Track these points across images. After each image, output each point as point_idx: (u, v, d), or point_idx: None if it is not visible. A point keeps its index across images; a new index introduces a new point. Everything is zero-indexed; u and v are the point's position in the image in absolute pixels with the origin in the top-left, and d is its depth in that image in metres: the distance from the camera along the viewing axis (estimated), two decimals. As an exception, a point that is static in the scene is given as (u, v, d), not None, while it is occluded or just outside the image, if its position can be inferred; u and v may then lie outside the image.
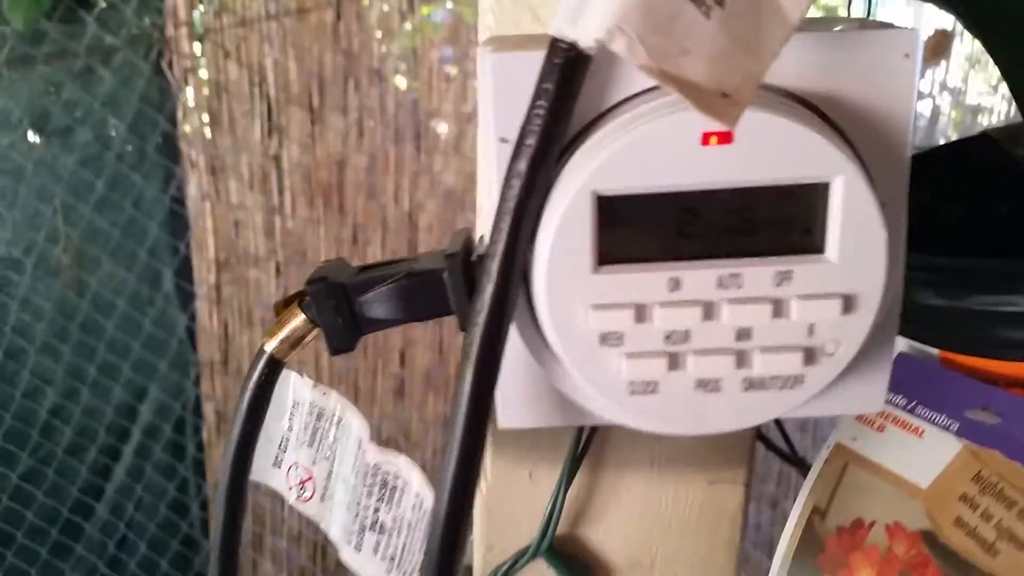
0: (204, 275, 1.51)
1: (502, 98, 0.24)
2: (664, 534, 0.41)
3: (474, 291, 0.28)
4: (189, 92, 1.35)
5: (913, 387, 0.37)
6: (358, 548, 0.33)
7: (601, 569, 0.41)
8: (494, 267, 0.23)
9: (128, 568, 1.55)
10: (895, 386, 0.38)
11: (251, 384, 0.31)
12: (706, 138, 0.22)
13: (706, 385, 0.24)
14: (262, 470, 0.35)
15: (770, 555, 0.39)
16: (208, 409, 1.59)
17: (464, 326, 0.29)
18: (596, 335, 0.23)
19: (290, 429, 0.34)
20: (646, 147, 0.22)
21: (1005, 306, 0.34)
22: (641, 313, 0.23)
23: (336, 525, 0.34)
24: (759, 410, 0.24)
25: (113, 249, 1.40)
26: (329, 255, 1.56)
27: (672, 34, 0.20)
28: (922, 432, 0.35)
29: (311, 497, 0.34)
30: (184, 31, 1.29)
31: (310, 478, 0.34)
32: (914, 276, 0.37)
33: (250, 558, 1.66)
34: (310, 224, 1.54)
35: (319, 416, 0.34)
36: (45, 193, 1.34)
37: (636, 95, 0.23)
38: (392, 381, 1.59)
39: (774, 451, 0.44)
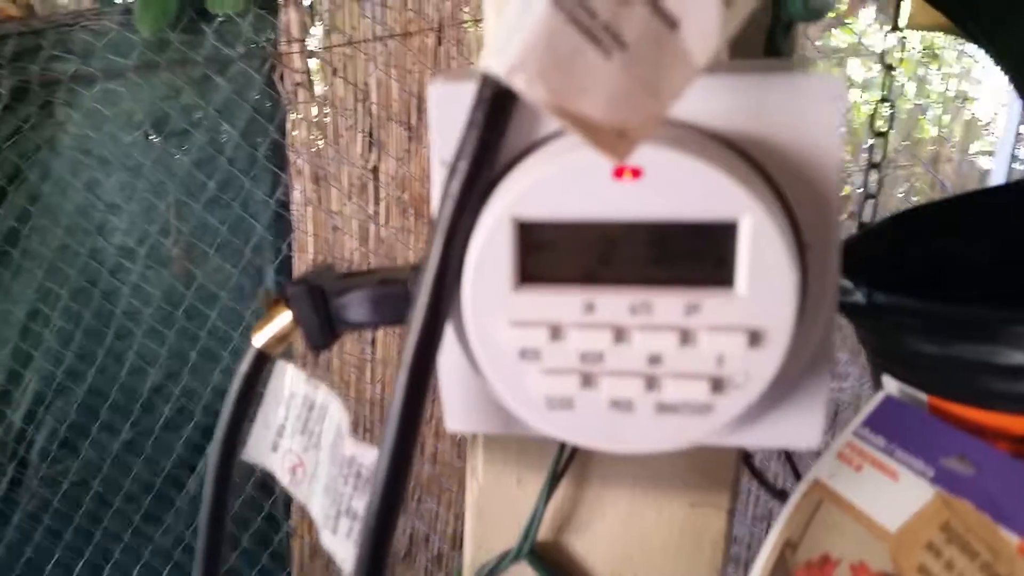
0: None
1: (443, 125, 0.25)
2: (646, 552, 0.41)
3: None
4: (299, 105, 1.41)
5: (894, 430, 0.36)
6: (334, 531, 0.35)
7: (582, 578, 0.42)
8: (427, 279, 0.24)
9: (213, 543, 1.61)
10: (878, 427, 0.37)
11: (239, 375, 0.33)
12: (618, 173, 0.22)
13: (619, 405, 0.24)
14: (261, 454, 0.37)
15: None
16: (297, 400, 1.65)
17: (426, 335, 0.31)
18: (516, 350, 0.24)
19: (286, 418, 0.36)
20: (563, 178, 0.23)
21: (991, 356, 0.33)
22: (557, 332, 0.24)
23: (317, 509, 0.35)
24: (671, 434, 0.25)
25: (220, 245, 1.47)
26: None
27: (572, 73, 0.20)
28: (897, 475, 0.35)
29: (301, 481, 0.36)
30: (296, 47, 1.35)
31: (301, 464, 0.36)
32: (906, 322, 0.37)
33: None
34: (401, 233, 1.58)
35: (310, 407, 0.36)
36: (161, 190, 1.42)
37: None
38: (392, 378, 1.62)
39: (758, 479, 0.43)
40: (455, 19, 1.38)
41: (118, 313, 1.44)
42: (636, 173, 0.22)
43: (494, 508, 0.42)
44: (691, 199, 0.22)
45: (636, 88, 0.21)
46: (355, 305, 0.31)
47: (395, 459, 0.25)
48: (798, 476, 0.46)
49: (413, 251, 1.57)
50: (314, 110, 1.43)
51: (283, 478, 0.37)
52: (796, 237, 0.23)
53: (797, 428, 0.27)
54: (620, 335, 0.23)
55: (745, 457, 0.42)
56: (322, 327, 0.32)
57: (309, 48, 1.34)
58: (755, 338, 0.23)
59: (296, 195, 1.52)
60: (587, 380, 0.24)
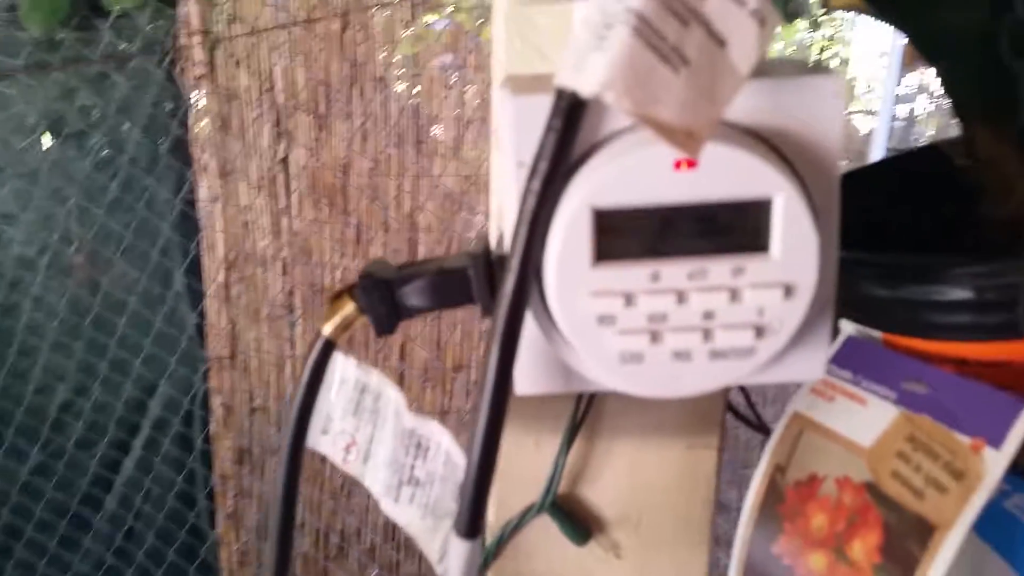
0: (213, 274, 1.57)
1: (520, 131, 0.30)
2: (649, 493, 0.48)
3: (495, 284, 0.35)
4: (201, 98, 1.41)
5: (858, 364, 0.44)
6: (396, 500, 0.40)
7: (595, 523, 0.48)
8: (514, 264, 0.30)
9: (135, 559, 1.61)
10: (842, 363, 0.45)
11: (310, 363, 0.38)
12: (677, 164, 0.29)
13: (680, 356, 0.31)
14: (312, 438, 0.41)
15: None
16: (215, 403, 1.66)
17: (486, 312, 0.36)
18: (594, 317, 0.30)
19: (336, 402, 0.41)
20: (631, 172, 0.29)
21: (934, 295, 0.41)
22: (629, 299, 0.30)
23: (378, 482, 0.40)
24: (722, 375, 0.31)
25: (125, 250, 1.46)
26: (333, 255, 1.63)
27: (648, 88, 0.26)
28: (866, 401, 0.42)
29: (355, 459, 0.41)
30: (197, 39, 1.35)
31: (354, 443, 0.41)
32: (861, 271, 0.44)
33: (255, 546, 1.72)
34: (315, 225, 1.60)
35: (362, 391, 0.41)
36: (59, 195, 1.40)
37: (625, 128, 0.30)
38: (392, 374, 1.66)
39: (742, 420, 0.50)
40: (361, 4, 1.41)
41: (20, 328, 1.41)
42: (691, 164, 0.28)
43: (515, 470, 0.47)
44: (736, 183, 0.29)
45: (698, 97, 0.27)
46: (419, 293, 0.36)
47: (490, 424, 0.31)
48: (754, 411, 0.54)
49: (329, 243, 1.60)
50: (217, 99, 1.43)
51: (336, 457, 0.42)
52: (811, 207, 0.30)
53: (807, 363, 0.34)
54: (681, 297, 0.30)
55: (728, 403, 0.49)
56: (388, 314, 0.37)
57: (210, 39, 1.35)
58: (788, 291, 0.30)
59: (202, 192, 1.52)
60: (654, 337, 0.30)
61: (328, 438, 0.42)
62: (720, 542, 0.51)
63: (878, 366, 0.43)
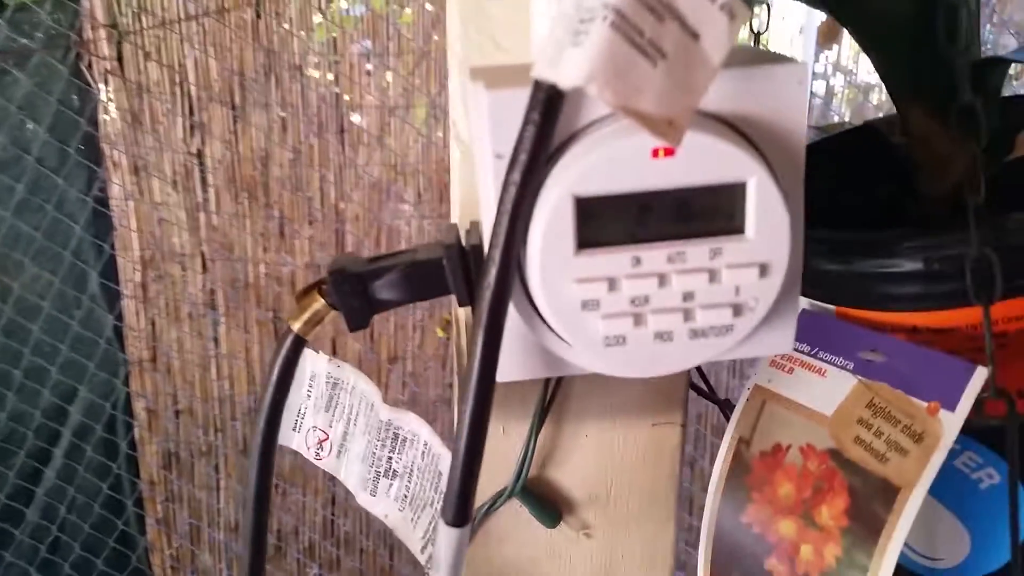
0: (130, 274, 1.53)
1: (497, 124, 0.31)
2: (617, 471, 0.50)
3: (476, 274, 0.36)
4: (109, 93, 1.37)
5: (815, 336, 0.46)
6: (373, 493, 0.40)
7: (565, 504, 0.50)
8: (497, 254, 0.31)
9: (62, 571, 1.57)
10: (800, 336, 0.47)
11: (279, 359, 0.38)
12: (655, 152, 0.30)
13: (662, 336, 0.32)
14: (283, 435, 0.41)
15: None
16: (138, 407, 1.62)
17: (462, 302, 0.37)
18: (578, 302, 0.31)
19: (308, 398, 0.41)
20: (611, 160, 0.30)
21: (887, 267, 0.44)
22: (612, 284, 0.31)
23: (353, 475, 0.41)
24: (701, 353, 0.33)
25: (36, 252, 1.42)
26: (256, 250, 1.60)
27: (629, 80, 0.28)
28: (824, 372, 0.45)
29: (328, 454, 0.41)
30: (102, 32, 1.31)
31: (327, 438, 0.41)
32: (813, 247, 0.47)
33: (188, 548, 1.69)
34: (235, 219, 1.58)
35: (334, 385, 0.41)
36: (-38, 199, 1.35)
37: (601, 118, 0.31)
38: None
39: (704, 396, 0.52)
40: (275, -8, 1.39)
41: (-73, 340, 1.36)
42: (669, 152, 0.30)
43: (484, 457, 0.48)
44: (711, 168, 0.30)
45: (675, 88, 0.28)
46: (392, 286, 0.37)
47: (477, 411, 0.32)
48: (709, 387, 0.56)
49: (251, 237, 1.57)
50: (126, 94, 1.39)
51: (308, 453, 0.42)
52: (780, 189, 0.32)
53: (777, 338, 0.36)
54: (662, 280, 0.31)
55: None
56: (361, 309, 0.37)
57: (117, 32, 1.31)
58: (763, 270, 0.31)
59: (115, 189, 1.48)
60: (637, 319, 0.32)
61: (300, 435, 0.42)
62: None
63: (834, 338, 0.45)
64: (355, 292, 0.37)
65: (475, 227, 0.39)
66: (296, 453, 0.44)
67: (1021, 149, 0.50)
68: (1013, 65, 0.51)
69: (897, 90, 0.52)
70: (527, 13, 0.41)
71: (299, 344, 0.39)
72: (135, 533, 1.65)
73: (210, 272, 1.62)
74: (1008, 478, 0.42)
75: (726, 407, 0.51)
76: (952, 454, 0.43)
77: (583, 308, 0.31)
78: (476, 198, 0.43)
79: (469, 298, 0.37)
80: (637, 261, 0.31)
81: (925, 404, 0.41)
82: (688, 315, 0.32)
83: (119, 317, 1.56)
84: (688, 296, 0.32)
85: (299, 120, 1.54)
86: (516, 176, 0.30)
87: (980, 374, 0.40)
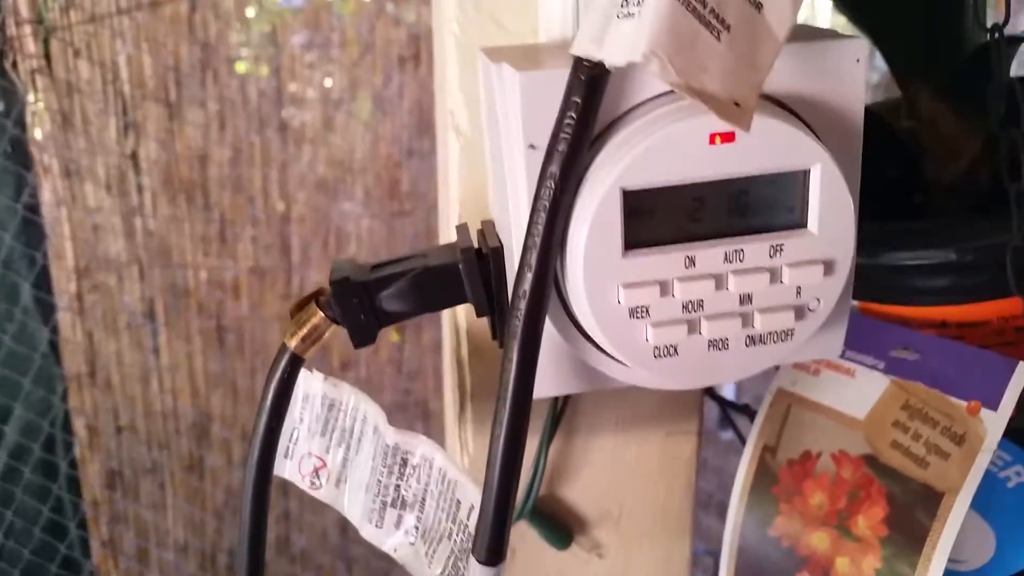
0: (64, 285, 1.46)
1: (530, 110, 0.28)
2: (630, 485, 0.47)
3: (492, 279, 0.32)
4: (37, 94, 1.30)
5: (841, 334, 0.44)
6: (379, 525, 0.37)
7: (576, 523, 0.47)
8: (534, 258, 0.27)
9: (2, 603, 1.49)
10: (825, 335, 0.45)
11: (275, 380, 0.34)
12: (712, 138, 0.27)
13: (717, 344, 0.29)
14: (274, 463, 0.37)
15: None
16: (78, 424, 1.54)
17: (481, 312, 0.34)
18: (626, 310, 0.28)
19: (301, 421, 0.37)
20: (664, 148, 0.27)
21: (918, 259, 0.42)
22: (664, 288, 0.28)
23: (356, 506, 0.37)
24: (758, 361, 0.30)
25: (-39, 265, 1.34)
26: (196, 255, 1.54)
27: (694, 55, 0.24)
28: (854, 372, 0.42)
29: (327, 483, 0.38)
30: (28, 29, 1.24)
31: (324, 465, 0.38)
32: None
33: (137, 571, 1.62)
34: (173, 223, 1.51)
35: (331, 407, 0.37)
36: None
37: (645, 101, 0.28)
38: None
39: (720, 402, 0.50)
40: (210, -17, 1.33)
41: None
42: (729, 137, 0.27)
43: (487, 475, 0.45)
44: (774, 154, 0.27)
45: (740, 63, 0.25)
46: (403, 295, 0.33)
47: (512, 437, 0.29)
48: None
49: (191, 242, 1.51)
50: (55, 94, 1.32)
51: (302, 482, 0.38)
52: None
53: (829, 342, 0.33)
54: (719, 282, 0.28)
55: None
56: (367, 322, 0.33)
57: (43, 29, 1.24)
58: (828, 267, 0.29)
59: (46, 196, 1.40)
60: (691, 327, 0.29)
61: (292, 462, 0.38)
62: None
63: (862, 336, 0.43)
64: (361, 304, 0.33)
65: (488, 228, 0.35)
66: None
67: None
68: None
69: (903, 73, 0.50)
70: (533, -11, 0.38)
71: (296, 364, 0.35)
72: (79, 557, 1.57)
73: (148, 280, 1.55)
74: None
75: (745, 413, 0.48)
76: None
77: (631, 316, 0.28)
78: (482, 196, 0.40)
79: (488, 308, 0.34)
80: (691, 262, 0.28)
81: (964, 403, 0.39)
82: (746, 320, 0.29)
83: (54, 330, 1.48)
84: (746, 299, 0.29)
85: (238, 117, 1.48)
86: (555, 168, 0.27)
87: (1022, 370, 0.38)
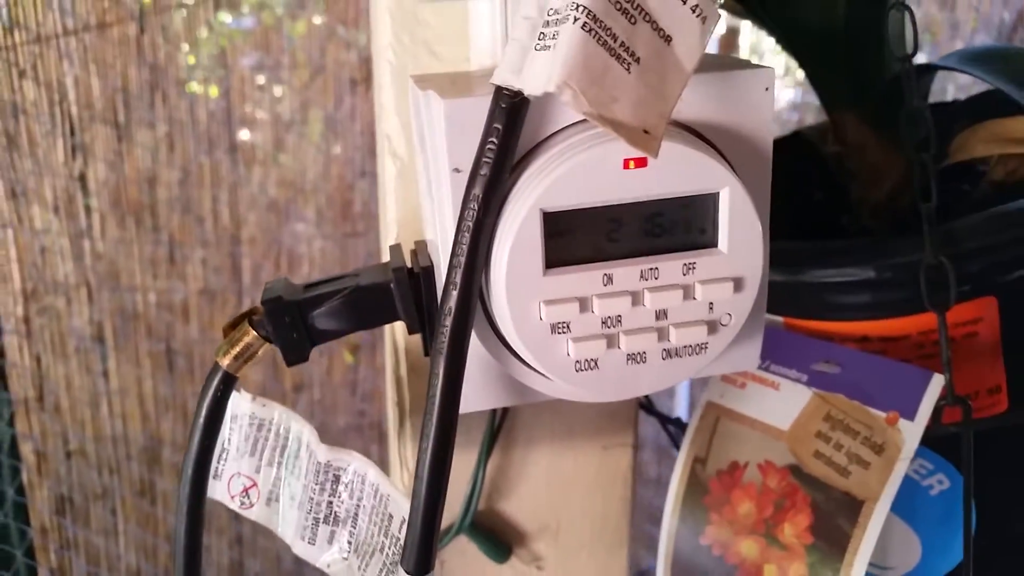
0: (11, 308, 1.44)
1: (454, 135, 0.29)
2: (567, 498, 0.48)
3: (428, 299, 0.34)
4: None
5: (766, 349, 0.45)
6: (311, 541, 0.38)
7: (515, 536, 0.48)
8: (458, 276, 0.29)
9: (-57, 637, 1.46)
10: (752, 350, 0.47)
11: (207, 399, 0.35)
12: (626, 163, 0.28)
13: (635, 358, 0.31)
14: None
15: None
16: (26, 450, 1.52)
17: (413, 329, 0.35)
18: (547, 326, 0.30)
19: (229, 441, 0.38)
20: (581, 172, 0.28)
21: (839, 277, 0.44)
22: (583, 304, 0.29)
23: (288, 524, 0.38)
24: (674, 374, 0.31)
25: (-99, 288, 1.31)
26: (145, 277, 1.53)
27: (605, 86, 0.26)
28: (778, 385, 0.44)
29: (255, 503, 0.38)
30: (-29, 48, 1.23)
31: (254, 485, 0.38)
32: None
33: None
34: (122, 245, 1.50)
35: (259, 426, 0.38)
36: None
37: (564, 128, 0.30)
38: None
39: (654, 415, 0.51)
40: (159, 6, 1.33)
41: None
42: (641, 163, 0.28)
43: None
44: (684, 178, 0.29)
45: (649, 93, 0.27)
46: (335, 314, 0.34)
47: (438, 449, 0.30)
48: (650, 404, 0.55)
49: (140, 264, 1.50)
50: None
51: (232, 503, 0.39)
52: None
53: (745, 355, 0.35)
54: (635, 299, 0.30)
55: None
56: (299, 341, 0.34)
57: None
58: (738, 284, 0.30)
59: (-10, 218, 1.39)
60: (610, 341, 0.30)
61: (221, 483, 0.39)
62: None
63: (786, 350, 0.45)
64: (293, 323, 0.34)
65: (422, 247, 0.37)
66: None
67: (954, 156, 0.51)
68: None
69: (830, 98, 0.52)
70: (464, 19, 0.40)
71: (229, 382, 0.36)
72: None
73: (96, 303, 1.54)
74: (964, 484, 0.42)
75: (677, 426, 0.50)
76: (905, 463, 0.43)
77: (553, 332, 0.30)
78: (418, 217, 0.41)
79: (420, 325, 0.35)
80: (609, 279, 0.30)
81: (883, 414, 0.41)
82: (662, 334, 0.30)
83: (1, 354, 1.47)
84: (661, 315, 0.30)
85: (187, 138, 1.48)
86: (477, 191, 0.28)
87: (937, 381, 0.40)
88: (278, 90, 1.52)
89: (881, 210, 0.50)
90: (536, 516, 0.48)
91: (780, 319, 0.47)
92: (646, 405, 0.51)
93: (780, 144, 0.59)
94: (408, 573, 0.31)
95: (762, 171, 0.32)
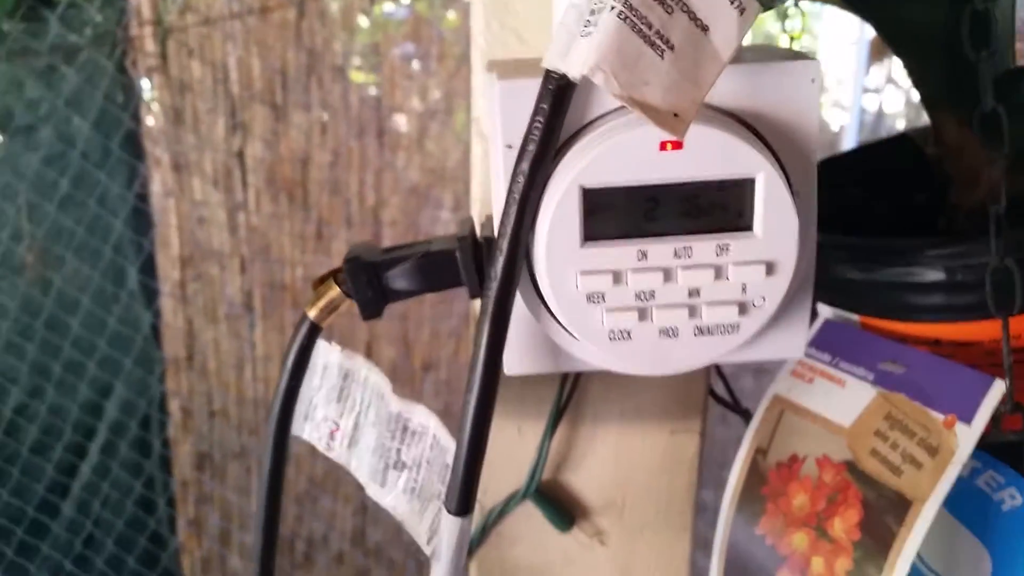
0: (168, 272, 1.57)
1: (508, 114, 0.32)
2: (633, 478, 0.50)
3: (484, 265, 0.37)
4: (153, 90, 1.41)
5: (836, 346, 0.46)
6: (383, 484, 0.41)
7: (579, 509, 0.50)
8: (504, 244, 0.32)
9: (95, 566, 1.60)
10: (822, 346, 0.47)
11: (295, 346, 0.39)
12: (663, 145, 0.30)
13: (667, 332, 0.32)
14: (295, 425, 0.42)
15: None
16: (173, 406, 1.65)
17: (474, 294, 0.38)
18: (584, 295, 0.32)
19: (319, 388, 0.42)
20: (619, 152, 0.30)
21: (910, 277, 0.44)
22: (617, 277, 0.32)
23: (364, 467, 0.42)
24: (707, 352, 0.33)
25: (77, 247, 1.46)
26: (294, 251, 1.63)
27: (636, 70, 0.28)
28: (844, 382, 0.45)
29: (340, 445, 0.42)
30: (148, 30, 1.35)
31: (338, 429, 0.42)
32: (836, 254, 0.47)
33: (218, 551, 1.72)
34: (274, 220, 1.60)
35: (346, 376, 0.42)
36: (9, 191, 1.39)
37: (611, 111, 0.32)
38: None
39: (723, 404, 0.52)
40: (319, -8, 1.42)
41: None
42: (677, 145, 0.30)
43: (497, 457, 0.49)
44: (720, 162, 0.31)
45: (682, 80, 0.29)
46: (406, 276, 0.37)
47: (481, 401, 0.33)
48: (732, 395, 0.56)
49: (289, 238, 1.60)
50: (169, 91, 1.43)
51: (319, 443, 0.43)
52: (789, 187, 0.32)
53: (788, 342, 0.36)
54: (668, 275, 0.32)
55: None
56: (374, 298, 0.38)
57: (162, 29, 1.35)
58: (770, 268, 0.32)
59: (156, 187, 1.51)
60: (642, 314, 0.32)
61: (312, 424, 0.43)
62: (698, 542, 0.53)
63: (856, 348, 0.45)
64: (369, 281, 0.38)
65: (489, 221, 0.39)
66: (328, 458, 0.44)
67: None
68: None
69: (930, 99, 0.52)
70: (550, 7, 0.42)
71: (314, 332, 0.40)
72: (166, 533, 1.68)
73: (247, 272, 1.65)
74: (1031, 497, 0.42)
75: (746, 416, 0.51)
76: (974, 472, 0.43)
77: (588, 301, 0.32)
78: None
79: (481, 290, 0.38)
80: (643, 255, 0.32)
81: (942, 417, 0.41)
82: (693, 311, 0.32)
83: (157, 315, 1.60)
84: (694, 292, 0.32)
85: (340, 122, 1.56)
86: (524, 166, 0.31)
87: (997, 387, 0.40)
88: (426, 79, 1.58)
89: (976, 214, 0.50)
90: (601, 491, 0.50)
91: (856, 318, 0.48)
92: (715, 394, 0.52)
93: (885, 144, 0.59)
94: (449, 513, 0.34)
95: (806, 160, 0.33)
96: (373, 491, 0.42)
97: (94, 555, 1.60)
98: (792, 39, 0.58)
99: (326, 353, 0.42)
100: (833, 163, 0.59)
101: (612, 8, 0.28)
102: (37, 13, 1.31)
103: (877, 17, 0.53)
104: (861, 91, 1.61)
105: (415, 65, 1.55)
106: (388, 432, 0.41)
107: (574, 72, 0.29)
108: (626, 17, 0.28)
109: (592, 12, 0.29)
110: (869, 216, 0.57)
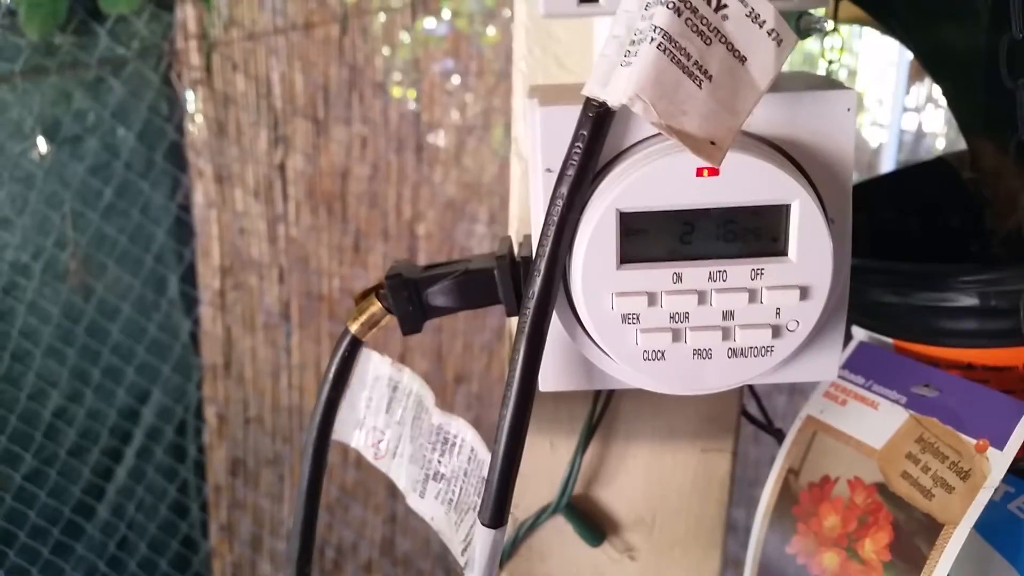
0: (208, 281, 1.60)
1: (548, 139, 0.33)
2: (664, 495, 0.50)
3: (522, 284, 0.38)
4: (197, 103, 1.44)
5: (869, 369, 0.46)
6: (422, 495, 0.42)
7: (610, 525, 0.51)
8: (542, 265, 0.32)
9: (128, 568, 1.63)
10: (855, 368, 0.48)
11: (336, 358, 0.41)
12: (699, 172, 0.31)
13: (700, 353, 0.33)
14: (346, 432, 0.44)
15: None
16: (209, 412, 1.68)
17: (511, 312, 0.39)
18: (619, 316, 0.33)
19: (370, 399, 0.44)
20: (656, 177, 0.31)
21: (943, 302, 0.44)
22: (652, 299, 0.32)
23: (404, 477, 0.43)
24: (739, 374, 0.34)
25: (120, 255, 1.49)
26: (331, 263, 1.65)
27: (675, 100, 0.29)
28: (877, 405, 0.45)
29: (383, 455, 0.44)
30: (194, 44, 1.38)
31: (384, 439, 0.44)
32: (872, 278, 0.47)
33: (249, 557, 1.74)
34: (313, 232, 1.63)
35: (394, 388, 0.43)
36: (55, 200, 1.42)
37: (648, 138, 0.33)
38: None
39: (755, 424, 0.53)
40: (360, 9, 1.44)
41: (14, 333, 1.43)
42: (713, 172, 0.31)
43: (530, 471, 0.50)
44: (756, 189, 0.31)
45: (720, 109, 0.30)
46: (445, 293, 0.39)
47: (516, 417, 0.34)
48: (765, 415, 0.56)
49: (327, 250, 1.62)
50: (213, 104, 1.46)
51: (367, 452, 0.44)
52: (824, 214, 0.33)
53: (821, 364, 0.37)
54: (702, 298, 0.32)
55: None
56: (414, 314, 0.39)
57: (207, 43, 1.38)
58: (804, 293, 0.32)
59: (198, 197, 1.54)
60: (676, 335, 0.33)
61: (361, 433, 0.44)
62: (728, 561, 0.53)
63: (889, 371, 0.46)
64: (409, 298, 0.39)
65: (527, 240, 0.40)
66: (360, 465, 0.46)
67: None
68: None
69: (968, 125, 0.52)
70: (590, 34, 0.43)
71: (355, 345, 0.41)
72: (198, 537, 1.71)
73: (285, 283, 1.67)
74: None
75: (778, 436, 0.51)
76: (1006, 497, 0.43)
77: (623, 321, 0.33)
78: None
79: (518, 309, 0.39)
80: (678, 278, 0.32)
81: (974, 441, 0.41)
82: (727, 334, 0.33)
83: (196, 323, 1.63)
84: (728, 315, 0.33)
85: (379, 137, 1.58)
86: (563, 189, 0.32)
87: (1033, 413, 0.40)
88: (465, 96, 1.60)
89: (1011, 240, 0.50)
90: (632, 508, 0.51)
91: (890, 341, 0.48)
92: (748, 413, 0.53)
93: (921, 168, 0.59)
94: (484, 525, 0.35)
95: (842, 188, 0.33)
96: (412, 501, 0.43)
97: (127, 557, 1.63)
98: (830, 63, 0.58)
99: (377, 364, 0.44)
100: (869, 186, 0.59)
101: (652, 40, 0.29)
102: (88, 26, 1.35)
103: (916, 43, 0.54)
104: (901, 110, 1.61)
105: (454, 81, 1.57)
106: (429, 444, 0.42)
107: (614, 100, 0.30)
108: (665, 48, 0.29)
109: (632, 43, 0.30)
110: (904, 239, 0.57)
